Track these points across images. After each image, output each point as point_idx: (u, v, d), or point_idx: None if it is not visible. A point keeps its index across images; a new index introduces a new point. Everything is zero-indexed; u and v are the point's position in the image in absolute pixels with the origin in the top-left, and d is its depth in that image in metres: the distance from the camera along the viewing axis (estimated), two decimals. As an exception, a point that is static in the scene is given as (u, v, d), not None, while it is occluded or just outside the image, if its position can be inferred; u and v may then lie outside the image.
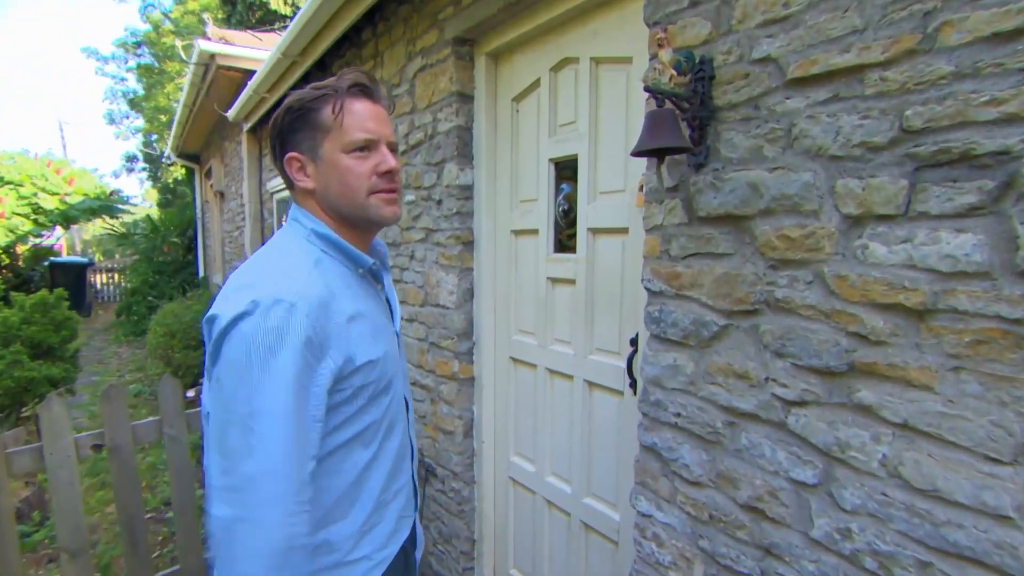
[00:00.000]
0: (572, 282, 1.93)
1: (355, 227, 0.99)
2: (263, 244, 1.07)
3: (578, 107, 1.84)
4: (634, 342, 1.65)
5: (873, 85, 0.98)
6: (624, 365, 1.71)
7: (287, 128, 0.95)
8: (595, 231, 1.81)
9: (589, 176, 1.81)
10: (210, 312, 0.84)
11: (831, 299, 1.06)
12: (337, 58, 3.53)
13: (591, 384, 1.88)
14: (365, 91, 0.96)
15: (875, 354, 1.00)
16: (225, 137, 7.29)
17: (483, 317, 2.33)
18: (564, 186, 1.99)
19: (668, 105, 1.21)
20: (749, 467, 1.23)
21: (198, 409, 2.19)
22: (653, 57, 1.40)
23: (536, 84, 2.04)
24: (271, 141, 0.97)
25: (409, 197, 2.70)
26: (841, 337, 1.05)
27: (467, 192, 2.31)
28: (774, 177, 1.14)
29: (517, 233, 2.22)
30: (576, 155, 1.86)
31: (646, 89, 1.20)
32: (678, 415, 1.39)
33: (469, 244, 2.33)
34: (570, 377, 1.96)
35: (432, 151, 2.45)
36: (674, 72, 1.21)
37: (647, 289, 1.46)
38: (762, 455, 1.20)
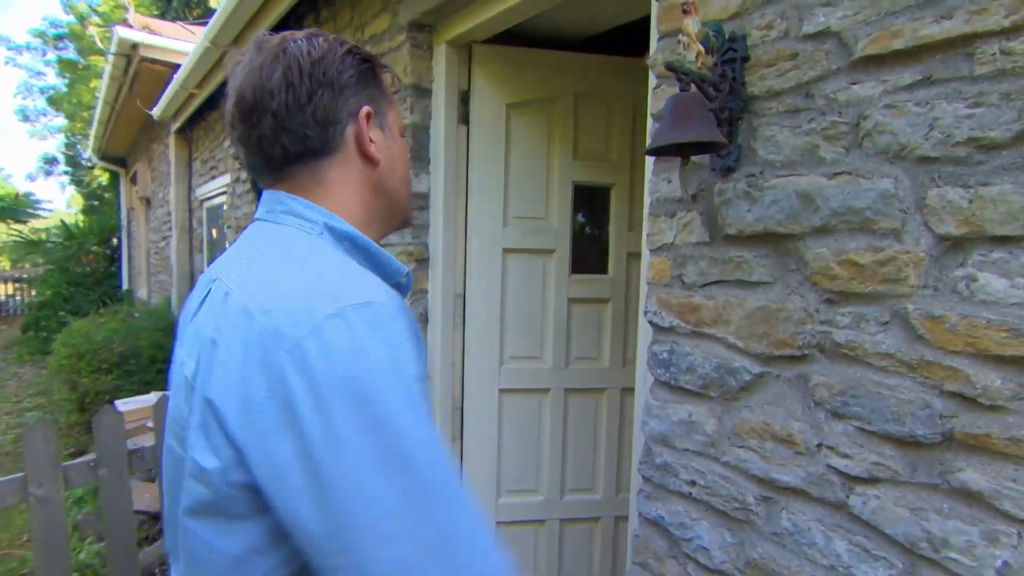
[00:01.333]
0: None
1: (380, 229, 0.74)
2: (223, 252, 0.74)
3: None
4: None
5: (988, 62, 0.73)
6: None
7: (356, 75, 0.67)
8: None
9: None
10: (206, 335, 0.56)
11: (918, 346, 0.80)
12: (275, 49, 3.15)
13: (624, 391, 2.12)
14: None
15: (987, 423, 0.74)
16: (152, 139, 6.68)
17: (440, 347, 1.99)
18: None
19: (694, 89, 0.94)
20: (793, 557, 0.95)
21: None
22: (662, 37, 1.13)
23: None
24: (308, 79, 0.64)
25: (355, 206, 2.35)
26: (933, 398, 0.79)
27: (422, 201, 1.98)
28: (836, 185, 0.87)
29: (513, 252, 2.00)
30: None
31: (668, 68, 0.92)
32: (693, 483, 1.10)
33: (423, 262, 2.00)
34: (601, 391, 2.15)
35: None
36: (701, 48, 0.94)
37: (652, 324, 1.17)
38: (811, 543, 0.93)
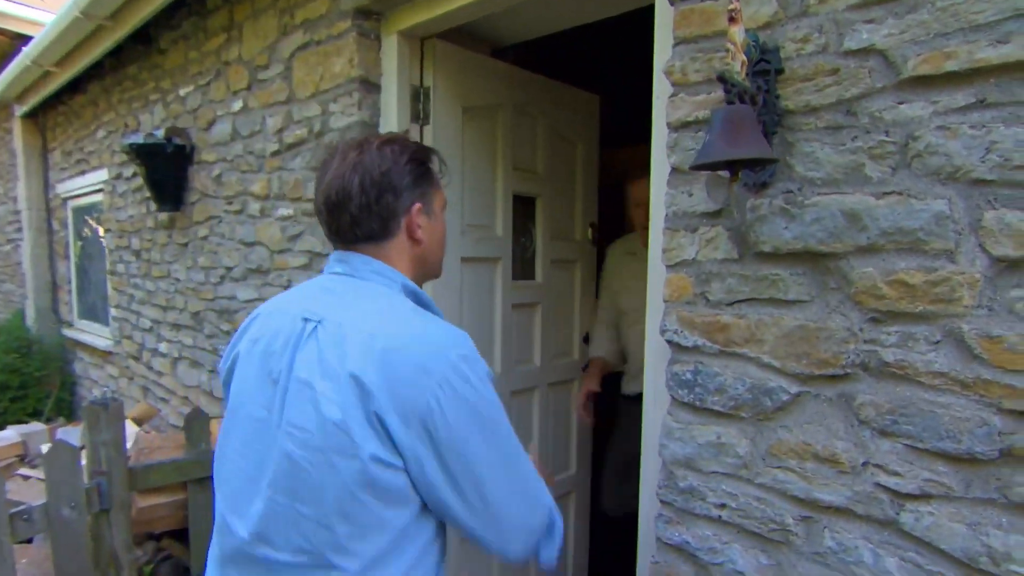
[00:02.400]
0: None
1: (419, 282, 0.98)
2: (291, 290, 0.99)
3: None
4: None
5: (1050, 89, 0.74)
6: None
7: (412, 180, 0.91)
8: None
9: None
10: (345, 368, 0.77)
11: (973, 365, 0.82)
12: (168, 29, 2.75)
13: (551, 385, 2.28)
14: None
15: (1047, 439, 0.77)
16: (-11, 124, 5.64)
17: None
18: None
19: (741, 103, 0.89)
20: (837, 576, 0.95)
21: None
22: (679, 43, 1.08)
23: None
24: (377, 188, 0.89)
25: (284, 211, 2.10)
26: (991, 415, 0.80)
27: (374, 207, 1.80)
28: (886, 205, 0.87)
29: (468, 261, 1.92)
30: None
31: (720, 79, 0.87)
32: (723, 506, 1.07)
33: (376, 273, 1.83)
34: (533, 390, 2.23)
35: (320, 153, 1.90)
36: (745, 58, 0.89)
37: (671, 343, 1.13)
38: (859, 561, 0.93)
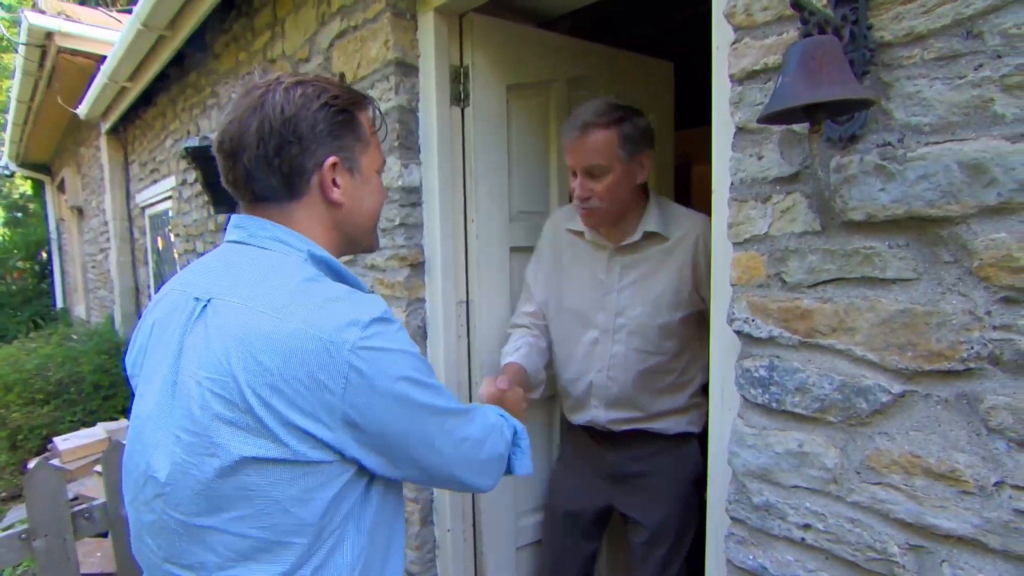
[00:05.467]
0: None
1: (342, 253, 0.87)
2: (187, 267, 0.83)
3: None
4: None
5: None
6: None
7: (327, 128, 0.78)
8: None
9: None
10: (237, 349, 0.67)
11: None
12: (221, 32, 2.79)
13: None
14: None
15: None
16: (80, 141, 6.08)
17: (443, 363, 1.74)
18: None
19: (823, 34, 0.72)
20: (960, 622, 0.76)
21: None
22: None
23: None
24: (278, 136, 0.75)
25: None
26: None
27: (414, 196, 1.72)
28: (1020, 151, 0.67)
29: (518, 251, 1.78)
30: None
31: (794, 6, 0.70)
32: (807, 527, 0.90)
33: (418, 266, 1.74)
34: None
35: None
36: (826, -20, 0.72)
37: (740, 333, 0.96)
38: (990, 606, 0.73)
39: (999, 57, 0.68)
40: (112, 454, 1.67)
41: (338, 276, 0.80)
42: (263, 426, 0.66)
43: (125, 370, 0.84)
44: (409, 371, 0.73)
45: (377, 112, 0.85)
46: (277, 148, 0.74)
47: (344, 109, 0.79)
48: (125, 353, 0.84)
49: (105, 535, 2.53)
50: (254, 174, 0.75)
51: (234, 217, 0.80)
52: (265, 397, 0.65)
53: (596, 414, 1.53)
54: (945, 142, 0.73)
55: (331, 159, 0.78)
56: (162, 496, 0.70)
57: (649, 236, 1.45)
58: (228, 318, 0.69)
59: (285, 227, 0.77)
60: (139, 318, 0.85)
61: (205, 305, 0.71)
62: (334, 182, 0.79)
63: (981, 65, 0.70)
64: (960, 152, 0.71)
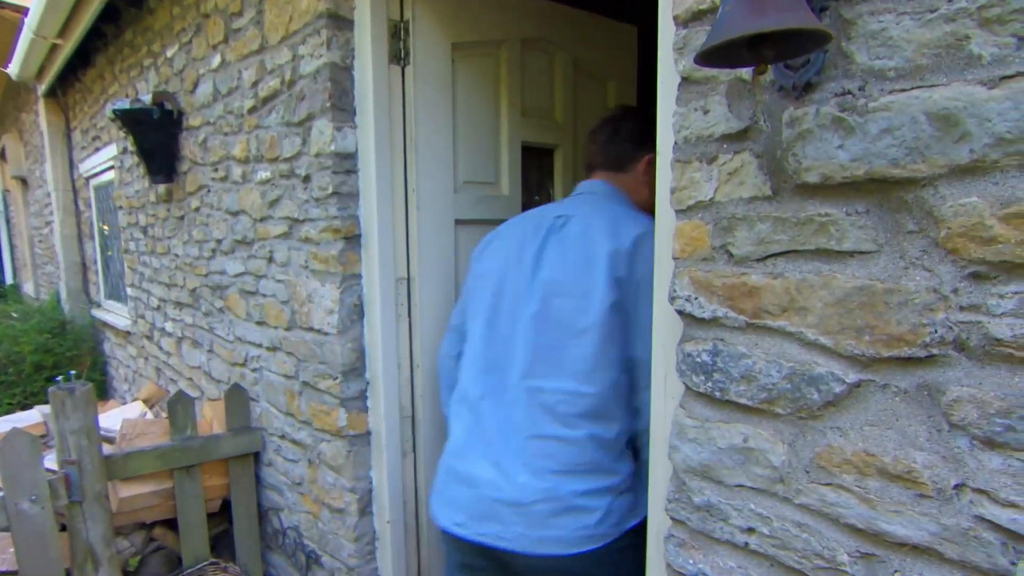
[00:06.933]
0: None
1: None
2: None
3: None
4: None
5: None
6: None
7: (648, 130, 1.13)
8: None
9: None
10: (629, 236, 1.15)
11: None
12: (152, -15, 2.56)
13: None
14: None
15: None
16: (20, 107, 5.72)
17: (381, 345, 1.61)
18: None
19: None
20: (913, 640, 0.67)
21: None
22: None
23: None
24: (632, 133, 1.30)
25: (263, 174, 1.89)
26: None
27: (348, 163, 1.57)
28: (1005, 97, 0.56)
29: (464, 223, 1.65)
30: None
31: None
32: (751, 531, 0.80)
33: (353, 239, 1.60)
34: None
35: (293, 104, 1.67)
36: None
37: (682, 313, 0.85)
38: (945, 623, 0.65)
39: (978, -16, 0.57)
40: (9, 445, 1.52)
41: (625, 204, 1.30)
42: None
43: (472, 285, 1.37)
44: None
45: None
46: (625, 142, 1.33)
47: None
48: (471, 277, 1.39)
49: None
50: (608, 153, 1.33)
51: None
52: None
53: None
54: (912, 89, 0.62)
55: (650, 155, 1.25)
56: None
57: None
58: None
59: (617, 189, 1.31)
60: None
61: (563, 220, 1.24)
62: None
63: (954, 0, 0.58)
64: (929, 100, 0.60)
